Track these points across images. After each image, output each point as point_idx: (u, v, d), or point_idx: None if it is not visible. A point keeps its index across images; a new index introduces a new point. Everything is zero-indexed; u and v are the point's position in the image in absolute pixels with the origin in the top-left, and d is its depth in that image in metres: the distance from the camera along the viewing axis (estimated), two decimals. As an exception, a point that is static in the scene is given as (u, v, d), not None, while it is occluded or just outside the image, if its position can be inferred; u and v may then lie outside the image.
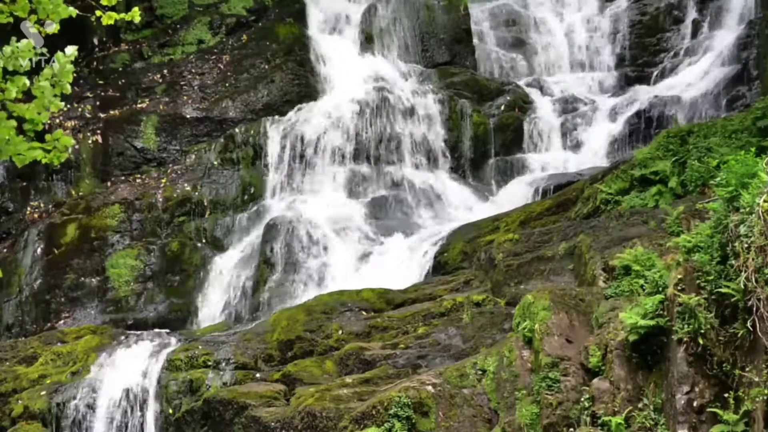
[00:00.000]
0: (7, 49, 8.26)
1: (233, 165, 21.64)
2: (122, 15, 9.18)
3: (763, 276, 10.18)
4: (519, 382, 12.63)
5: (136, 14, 9.10)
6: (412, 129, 21.95)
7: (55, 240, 20.56)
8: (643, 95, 22.33)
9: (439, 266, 18.02)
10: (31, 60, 8.30)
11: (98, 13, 9.25)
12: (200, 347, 15.77)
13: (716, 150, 15.55)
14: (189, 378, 15.26)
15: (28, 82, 8.32)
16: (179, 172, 21.68)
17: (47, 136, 8.56)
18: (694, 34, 23.76)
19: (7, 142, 8.38)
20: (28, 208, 21.40)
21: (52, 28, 8.61)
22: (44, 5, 8.42)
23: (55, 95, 8.43)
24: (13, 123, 8.37)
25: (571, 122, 22.43)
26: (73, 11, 8.55)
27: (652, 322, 11.38)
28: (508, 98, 22.83)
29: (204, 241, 20.72)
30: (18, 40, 8.32)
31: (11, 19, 8.56)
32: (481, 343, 14.26)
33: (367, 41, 24.30)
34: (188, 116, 22.53)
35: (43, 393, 15.52)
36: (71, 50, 8.37)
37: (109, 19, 9.11)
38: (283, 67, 23.22)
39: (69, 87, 8.46)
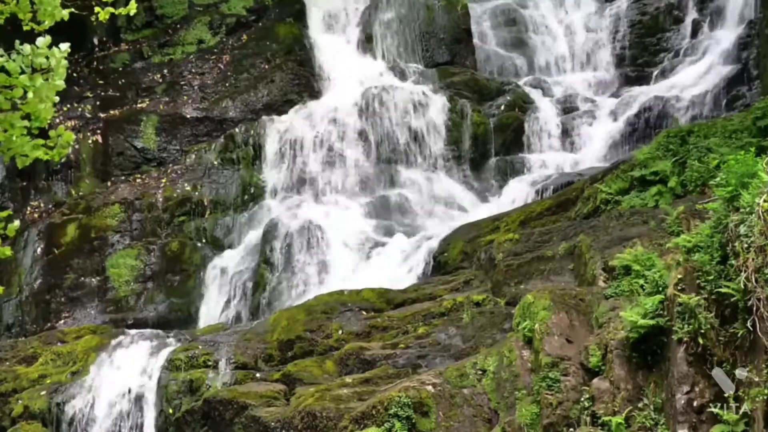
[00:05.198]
0: (26, 47, 8.31)
1: (233, 165, 21.64)
2: (120, 9, 9.25)
3: (763, 276, 10.18)
4: (519, 382, 12.63)
5: (132, 7, 9.15)
6: (411, 129, 21.94)
7: (55, 240, 20.56)
8: (643, 95, 22.26)
9: (439, 266, 18.01)
10: (47, 58, 8.36)
11: (97, 9, 9.32)
12: (200, 347, 15.77)
13: (716, 150, 15.54)
14: (189, 378, 15.26)
15: (43, 81, 8.38)
16: (179, 172, 21.68)
17: (51, 132, 8.65)
18: (694, 34, 23.70)
19: (12, 142, 8.46)
20: (28, 208, 21.39)
21: (45, 25, 8.69)
22: (45, 5, 8.46)
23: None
24: (26, 123, 8.46)
25: (571, 122, 22.38)
26: (65, 13, 8.62)
27: (652, 322, 11.39)
28: (508, 98, 22.78)
29: (204, 241, 20.72)
30: (21, 43, 8.35)
31: (8, 14, 8.60)
32: (481, 343, 14.25)
33: (367, 41, 24.29)
34: (188, 116, 22.53)
35: (43, 393, 15.52)
36: (65, 47, 8.44)
37: (106, 14, 9.17)
38: (283, 67, 23.22)
39: (62, 83, 8.51)
